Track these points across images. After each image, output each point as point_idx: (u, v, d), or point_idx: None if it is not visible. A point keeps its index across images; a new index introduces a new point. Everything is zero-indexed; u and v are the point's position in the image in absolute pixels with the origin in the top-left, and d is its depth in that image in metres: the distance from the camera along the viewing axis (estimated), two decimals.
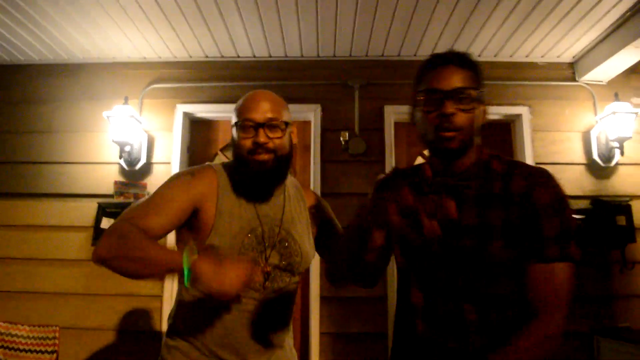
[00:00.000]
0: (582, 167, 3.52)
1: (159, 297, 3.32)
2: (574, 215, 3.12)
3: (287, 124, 1.56)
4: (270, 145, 1.51)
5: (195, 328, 1.52)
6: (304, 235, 1.63)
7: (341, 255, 1.44)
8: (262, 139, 1.50)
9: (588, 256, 3.39)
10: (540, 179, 1.30)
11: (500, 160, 1.39)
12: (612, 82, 3.57)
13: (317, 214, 1.72)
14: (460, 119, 1.30)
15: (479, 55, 3.56)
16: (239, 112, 1.55)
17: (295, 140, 1.65)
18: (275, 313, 1.58)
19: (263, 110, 1.52)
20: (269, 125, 1.51)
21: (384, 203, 1.25)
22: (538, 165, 1.38)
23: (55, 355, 3.15)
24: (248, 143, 1.51)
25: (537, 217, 1.26)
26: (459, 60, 1.34)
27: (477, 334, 1.28)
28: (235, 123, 1.55)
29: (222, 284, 1.20)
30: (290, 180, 1.71)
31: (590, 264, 3.39)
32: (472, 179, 1.36)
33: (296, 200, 1.68)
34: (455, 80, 1.31)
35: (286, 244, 1.56)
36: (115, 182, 3.45)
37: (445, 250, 1.32)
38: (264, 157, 1.51)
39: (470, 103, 1.31)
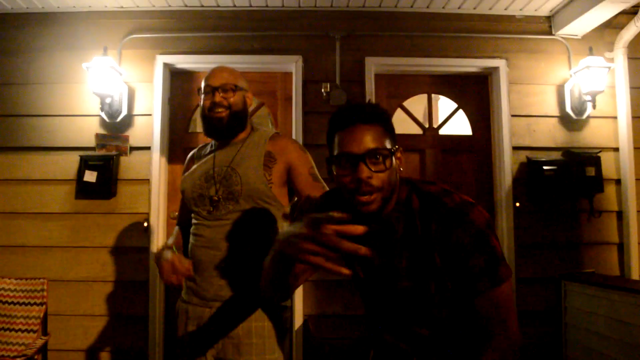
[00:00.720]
0: (555, 120, 3.63)
1: (147, 248, 3.37)
2: (547, 168, 3.27)
3: (237, 87, 1.92)
4: (225, 103, 1.89)
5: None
6: (249, 170, 1.87)
7: (267, 279, 1.42)
8: (217, 99, 1.88)
9: (559, 204, 3.55)
10: (455, 222, 1.30)
11: (418, 193, 1.38)
12: (587, 37, 3.65)
13: (275, 157, 1.93)
14: (377, 180, 1.28)
15: (459, 8, 3.59)
16: (203, 81, 1.94)
17: (250, 102, 2.01)
18: (228, 240, 1.85)
19: (219, 78, 1.91)
20: (223, 88, 1.89)
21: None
22: (455, 202, 1.34)
23: (44, 307, 3.22)
24: (207, 103, 1.91)
25: (460, 258, 1.31)
26: (366, 116, 1.29)
27: (431, 340, 1.43)
28: (198, 89, 1.96)
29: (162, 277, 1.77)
30: (261, 131, 2.01)
31: (559, 212, 3.55)
32: (395, 222, 1.39)
33: (253, 146, 1.94)
34: (367, 141, 1.27)
35: (229, 178, 1.87)
36: (97, 135, 3.44)
37: (386, 290, 1.43)
38: (221, 113, 1.89)
39: (385, 161, 1.28)
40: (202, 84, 1.95)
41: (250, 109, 2.16)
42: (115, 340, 3.35)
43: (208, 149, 2.08)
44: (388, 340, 1.51)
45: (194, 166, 2.02)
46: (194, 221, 1.95)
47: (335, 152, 1.31)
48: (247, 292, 1.83)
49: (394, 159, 1.31)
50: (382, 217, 1.37)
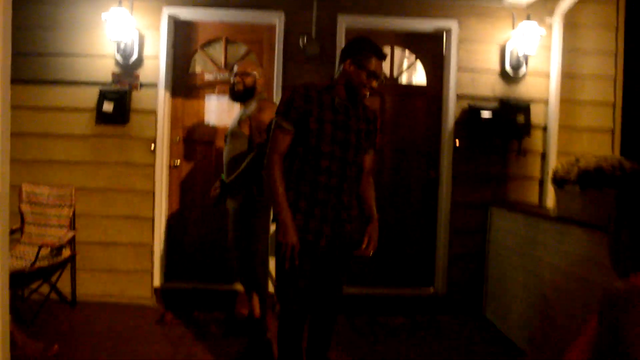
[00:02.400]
0: (496, 75, 4.34)
1: (152, 165, 4.19)
2: (484, 113, 4.00)
3: (247, 73, 3.39)
4: (241, 82, 3.38)
5: None
6: (235, 121, 3.33)
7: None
8: (236, 79, 3.39)
9: (493, 144, 4.30)
10: (375, 115, 2.61)
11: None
12: (531, 5, 4.27)
13: (253, 116, 3.25)
14: (371, 89, 2.44)
15: None
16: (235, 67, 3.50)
17: (258, 77, 3.44)
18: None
19: (239, 66, 3.45)
20: (241, 74, 3.39)
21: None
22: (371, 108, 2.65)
23: (72, 208, 4.08)
24: (232, 80, 3.47)
25: (374, 134, 2.58)
26: (385, 56, 2.45)
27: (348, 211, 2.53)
28: (230, 71, 3.51)
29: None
30: (257, 99, 3.34)
31: (492, 151, 4.30)
32: (358, 107, 2.50)
33: (244, 109, 3.33)
34: (381, 71, 2.45)
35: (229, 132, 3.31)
36: (113, 73, 4.20)
37: (343, 140, 2.41)
38: (239, 87, 3.37)
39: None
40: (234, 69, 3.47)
41: (261, 82, 3.48)
42: (128, 235, 4.23)
43: None
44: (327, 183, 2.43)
45: None
46: None
47: (371, 68, 2.38)
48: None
49: None
50: (359, 99, 2.49)
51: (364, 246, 2.54)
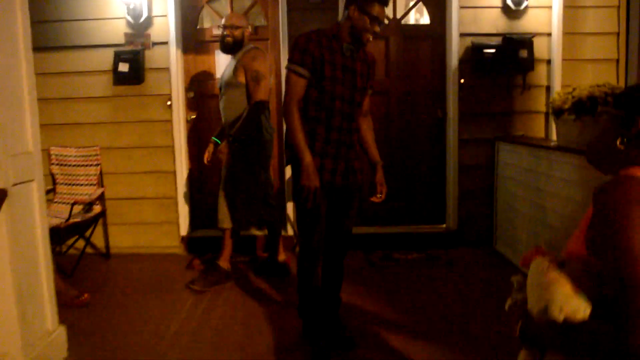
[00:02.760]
0: (498, 10, 4.38)
1: (169, 121, 4.40)
2: (487, 50, 4.07)
3: (236, 26, 3.53)
4: (230, 34, 3.53)
5: None
6: (227, 70, 3.61)
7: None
8: (226, 32, 3.53)
9: (498, 81, 4.39)
10: (373, 58, 2.74)
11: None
12: None
13: (247, 65, 3.49)
14: (374, 34, 2.53)
15: None
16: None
17: (247, 33, 3.61)
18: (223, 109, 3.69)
19: (226, 20, 3.56)
20: (229, 27, 3.52)
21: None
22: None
23: (99, 167, 4.34)
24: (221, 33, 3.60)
25: (372, 76, 2.69)
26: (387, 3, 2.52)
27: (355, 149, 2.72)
28: (219, 26, 3.62)
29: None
30: (248, 49, 3.56)
31: (497, 87, 4.40)
32: (360, 50, 2.61)
33: (234, 60, 3.58)
34: (383, 16, 2.53)
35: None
36: (125, 34, 4.36)
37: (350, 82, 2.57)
38: (228, 40, 3.51)
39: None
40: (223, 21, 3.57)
41: (248, 33, 3.65)
42: (153, 189, 4.49)
43: None
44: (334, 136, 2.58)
45: None
46: None
47: (373, 14, 2.46)
48: None
49: None
50: (362, 44, 2.56)
51: (377, 194, 2.73)
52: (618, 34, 4.38)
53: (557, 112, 3.23)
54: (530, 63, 4.32)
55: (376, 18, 2.49)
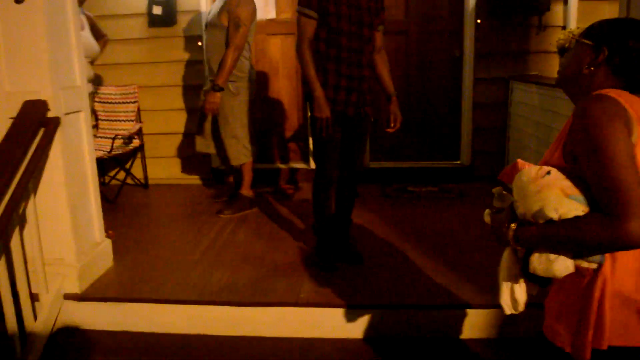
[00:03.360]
0: None
1: (200, 62, 4.71)
2: None
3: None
4: None
5: None
6: (212, 11, 3.77)
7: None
8: None
9: (514, 21, 4.52)
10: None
11: None
12: None
13: (231, 10, 3.65)
14: None
15: None
16: None
17: None
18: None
19: None
20: None
21: None
22: None
23: (137, 104, 4.71)
24: None
25: (382, 11, 2.86)
26: None
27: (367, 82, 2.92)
28: None
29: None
30: None
31: (513, 27, 4.53)
32: None
33: (221, 1, 3.73)
34: None
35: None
36: None
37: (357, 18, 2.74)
38: None
39: None
40: None
41: None
42: (185, 127, 4.88)
43: None
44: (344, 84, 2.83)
45: None
46: None
47: None
48: None
49: None
50: None
51: (391, 124, 2.99)
52: None
53: (561, 51, 3.40)
54: (546, 3, 4.41)
55: None
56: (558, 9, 4.49)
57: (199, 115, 4.08)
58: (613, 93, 1.25)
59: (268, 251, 3.34)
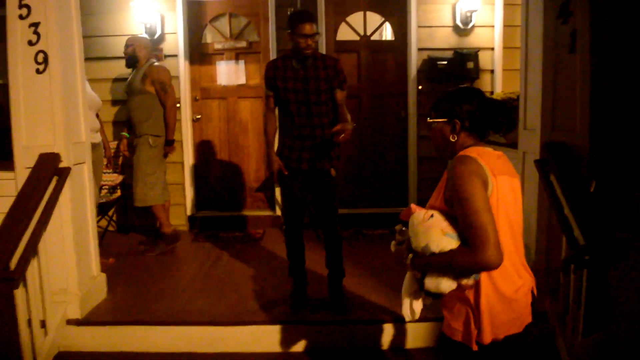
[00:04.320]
0: (450, 29, 5.31)
1: (179, 120, 5.30)
2: (440, 62, 4.98)
3: (128, 45, 4.55)
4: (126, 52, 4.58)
5: None
6: (137, 81, 4.50)
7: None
8: (124, 51, 4.64)
9: (448, 87, 5.29)
10: (335, 62, 3.28)
11: (321, 54, 3.32)
12: None
13: (155, 78, 4.47)
14: (309, 46, 3.14)
15: None
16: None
17: (144, 53, 4.58)
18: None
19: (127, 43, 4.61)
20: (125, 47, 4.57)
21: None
22: (334, 59, 3.32)
23: (120, 158, 5.23)
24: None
25: (336, 76, 3.25)
26: (312, 17, 3.15)
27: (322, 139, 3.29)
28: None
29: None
30: (149, 64, 4.52)
31: None
32: (316, 60, 3.25)
33: (139, 72, 4.53)
34: (311, 30, 3.11)
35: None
36: None
37: (306, 93, 3.26)
38: (126, 56, 4.64)
39: (314, 37, 3.15)
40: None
41: (143, 53, 4.58)
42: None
43: None
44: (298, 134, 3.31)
45: None
46: None
47: (303, 32, 3.08)
48: None
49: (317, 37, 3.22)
50: (305, 56, 3.19)
51: (334, 130, 3.09)
52: None
53: None
54: (476, 72, 5.24)
55: (306, 35, 3.11)
56: (487, 77, 5.33)
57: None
58: (474, 153, 1.68)
59: (241, 283, 3.87)
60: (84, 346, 3.22)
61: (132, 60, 4.55)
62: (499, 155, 1.77)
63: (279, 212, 5.48)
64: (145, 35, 5.21)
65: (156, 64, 4.56)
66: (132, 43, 4.54)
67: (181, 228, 5.46)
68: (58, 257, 3.21)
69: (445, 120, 1.83)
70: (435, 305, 1.90)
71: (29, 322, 2.87)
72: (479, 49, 5.27)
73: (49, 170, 3.09)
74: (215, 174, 5.61)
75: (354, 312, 3.33)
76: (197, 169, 5.57)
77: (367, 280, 3.85)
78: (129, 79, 4.64)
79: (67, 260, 3.26)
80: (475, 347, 1.70)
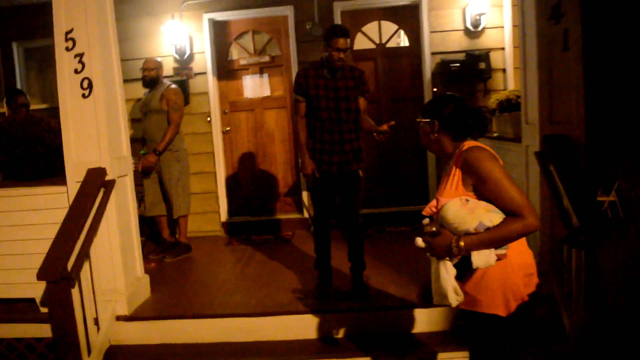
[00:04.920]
0: (461, 32, 5.56)
1: (210, 132, 5.71)
2: (453, 65, 5.24)
3: (150, 69, 4.86)
4: (147, 75, 4.92)
5: None
6: (149, 99, 4.90)
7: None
8: (144, 74, 4.95)
9: (463, 88, 5.56)
10: (361, 73, 3.59)
11: (349, 65, 3.62)
12: None
13: (169, 98, 4.82)
14: (341, 58, 3.44)
15: None
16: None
17: (159, 69, 4.95)
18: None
19: (145, 65, 4.94)
20: (145, 68, 4.90)
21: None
22: (359, 71, 3.64)
23: None
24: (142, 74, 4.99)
25: (362, 85, 3.59)
26: (347, 33, 3.43)
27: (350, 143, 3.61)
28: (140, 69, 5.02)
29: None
30: (165, 85, 4.89)
31: (463, 93, 5.55)
32: (344, 70, 3.57)
33: (157, 92, 4.87)
34: (344, 45, 3.40)
35: None
36: (173, 68, 5.71)
37: (335, 103, 3.57)
38: (147, 79, 4.95)
39: (346, 51, 3.44)
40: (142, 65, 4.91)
41: (161, 73, 4.99)
42: (199, 187, 5.80)
43: None
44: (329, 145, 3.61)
45: None
46: None
47: (337, 46, 3.38)
48: None
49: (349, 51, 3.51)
50: (336, 66, 3.49)
51: (381, 129, 3.30)
52: None
53: (491, 112, 4.41)
54: (488, 72, 5.47)
55: (339, 49, 3.43)
56: (499, 76, 5.55)
57: (141, 177, 4.99)
58: (478, 144, 2.01)
59: (273, 279, 4.21)
60: (132, 340, 3.59)
61: (153, 82, 4.87)
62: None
63: (306, 214, 5.81)
64: (176, 56, 5.64)
65: (172, 86, 4.88)
66: (156, 66, 4.87)
67: (217, 233, 5.85)
68: (106, 260, 3.60)
69: (428, 120, 2.14)
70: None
71: (84, 320, 3.25)
72: (490, 50, 5.50)
73: (97, 183, 3.49)
74: (245, 182, 5.99)
75: (376, 300, 3.62)
76: (228, 177, 5.96)
77: (388, 272, 4.13)
78: (144, 99, 4.97)
79: (115, 263, 3.64)
80: (505, 312, 1.97)
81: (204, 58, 5.71)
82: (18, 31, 6.07)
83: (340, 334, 3.47)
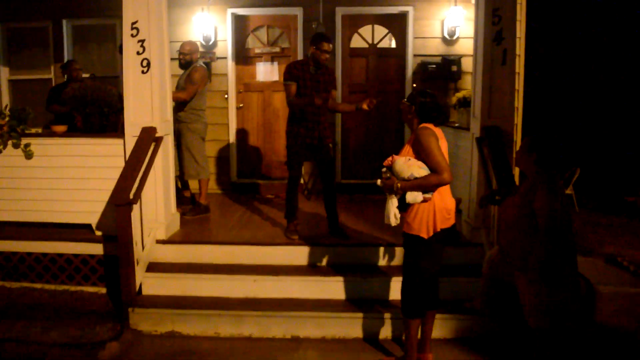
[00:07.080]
0: (439, 39, 6.75)
1: (226, 108, 6.88)
2: (430, 66, 6.44)
3: (185, 54, 5.63)
4: (183, 58, 5.69)
5: None
6: (182, 77, 5.71)
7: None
8: (180, 57, 5.66)
9: (438, 86, 6.74)
10: (332, 71, 4.86)
11: (324, 65, 4.73)
12: None
13: (189, 73, 5.57)
14: (326, 59, 4.58)
15: None
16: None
17: (194, 53, 5.71)
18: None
19: (182, 49, 5.69)
20: (182, 54, 5.68)
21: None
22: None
23: None
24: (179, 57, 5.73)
25: (333, 81, 4.81)
26: (330, 40, 4.58)
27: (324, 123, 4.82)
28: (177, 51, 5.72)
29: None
30: (193, 65, 5.60)
31: (438, 89, 6.75)
32: (323, 68, 4.69)
33: (188, 71, 5.62)
34: (329, 48, 4.52)
35: None
36: (200, 52, 6.82)
37: (316, 86, 4.77)
38: (182, 62, 5.70)
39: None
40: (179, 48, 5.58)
41: (195, 56, 5.65)
42: (216, 152, 6.99)
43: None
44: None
45: None
46: None
47: (323, 49, 4.47)
48: None
49: None
50: (320, 65, 4.61)
51: (368, 101, 4.29)
52: (519, 55, 6.68)
53: (454, 106, 5.63)
54: (459, 74, 6.67)
55: (325, 50, 4.48)
56: (467, 78, 6.74)
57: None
58: (429, 125, 3.09)
59: (274, 223, 5.42)
60: (167, 258, 4.76)
61: (189, 64, 5.53)
62: (439, 130, 3.22)
63: (301, 180, 7.01)
64: (203, 42, 6.80)
65: (199, 64, 5.53)
66: (190, 51, 5.53)
67: (227, 192, 7.05)
68: (152, 197, 4.76)
69: (408, 104, 3.26)
70: None
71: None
72: (462, 56, 6.69)
73: (150, 138, 4.65)
74: (253, 150, 7.19)
75: (352, 239, 4.83)
76: (239, 146, 7.15)
77: (362, 223, 5.36)
78: (180, 77, 5.64)
79: (157, 200, 4.81)
80: (426, 236, 3.12)
81: (225, 45, 6.86)
82: (67, 10, 7.14)
83: (324, 262, 4.67)
